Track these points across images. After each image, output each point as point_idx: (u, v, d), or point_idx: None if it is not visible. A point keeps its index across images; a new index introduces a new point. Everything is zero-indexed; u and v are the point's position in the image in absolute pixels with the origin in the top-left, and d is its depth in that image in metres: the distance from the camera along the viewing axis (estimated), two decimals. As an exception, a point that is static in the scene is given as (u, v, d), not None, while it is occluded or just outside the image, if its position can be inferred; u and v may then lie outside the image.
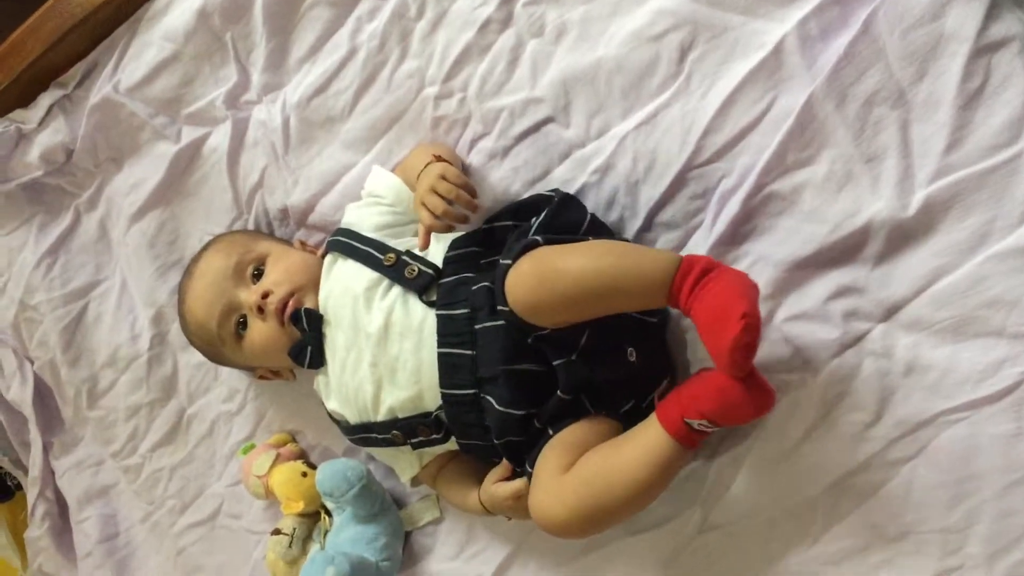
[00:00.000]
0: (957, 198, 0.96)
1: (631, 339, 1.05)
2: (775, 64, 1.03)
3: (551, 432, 1.06)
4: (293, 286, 1.23)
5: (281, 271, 1.25)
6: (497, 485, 1.14)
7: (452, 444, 1.17)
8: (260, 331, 1.25)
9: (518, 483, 1.12)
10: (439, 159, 1.15)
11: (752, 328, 0.85)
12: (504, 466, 1.14)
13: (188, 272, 1.34)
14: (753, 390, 0.91)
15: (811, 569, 1.07)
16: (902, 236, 0.99)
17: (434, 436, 1.15)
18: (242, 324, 1.27)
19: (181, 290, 1.34)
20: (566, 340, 1.01)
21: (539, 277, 0.96)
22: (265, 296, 1.22)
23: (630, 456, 0.98)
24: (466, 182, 1.13)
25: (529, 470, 1.07)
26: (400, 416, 1.16)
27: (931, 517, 1.00)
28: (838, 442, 1.04)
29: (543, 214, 1.08)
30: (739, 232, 1.07)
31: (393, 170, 1.27)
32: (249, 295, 1.24)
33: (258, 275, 1.27)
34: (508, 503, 1.13)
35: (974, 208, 0.95)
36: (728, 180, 1.08)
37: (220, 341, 1.29)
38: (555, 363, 1.03)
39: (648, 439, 0.97)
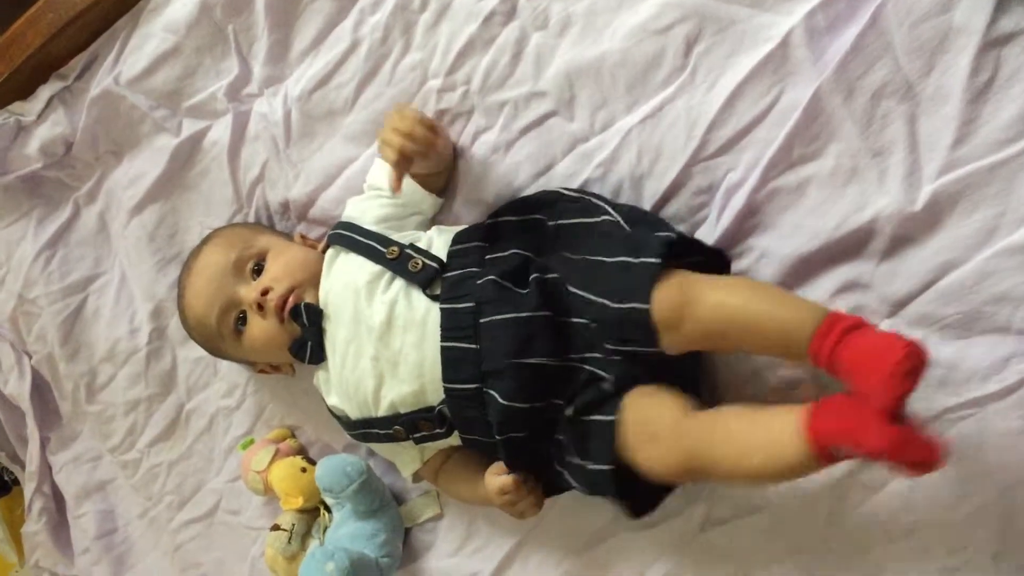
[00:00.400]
0: (964, 193, 0.95)
1: None
2: (782, 57, 1.02)
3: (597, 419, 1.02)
4: (293, 282, 1.22)
5: (281, 267, 1.24)
6: (488, 478, 1.13)
7: (455, 439, 1.16)
8: (260, 328, 1.24)
9: (504, 479, 1.11)
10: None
11: (916, 355, 0.79)
12: (498, 465, 1.13)
13: (187, 267, 1.33)
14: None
15: (815, 566, 1.06)
16: (909, 231, 0.98)
17: (437, 431, 1.14)
18: (241, 320, 1.26)
19: (180, 285, 1.34)
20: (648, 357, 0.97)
21: (684, 300, 0.92)
22: (265, 293, 1.21)
23: (759, 444, 0.90)
24: (423, 118, 1.14)
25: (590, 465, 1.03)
26: (402, 411, 1.15)
27: (936, 514, 0.99)
28: (843, 439, 1.03)
29: (614, 209, 1.07)
30: (744, 227, 1.06)
31: None
32: (249, 292, 1.23)
33: (258, 271, 1.26)
34: (497, 498, 1.13)
35: (982, 203, 0.94)
36: (733, 174, 1.07)
37: (220, 337, 1.29)
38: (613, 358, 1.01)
39: (785, 443, 0.87)
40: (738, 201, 1.06)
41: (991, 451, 0.96)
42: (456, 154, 1.25)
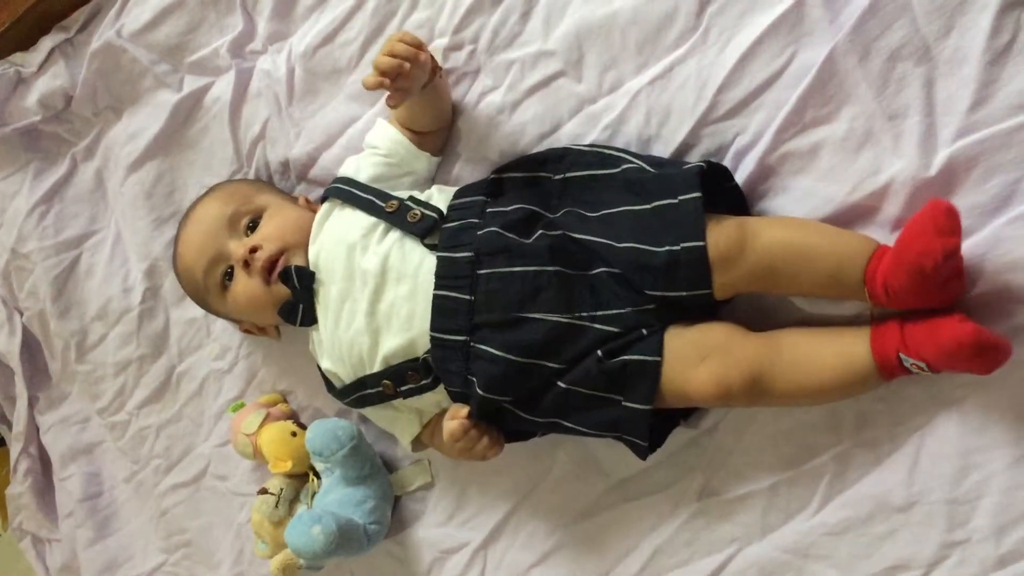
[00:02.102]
0: (981, 158, 0.92)
1: None
2: (796, 17, 1.00)
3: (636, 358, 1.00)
4: (284, 244, 1.20)
5: (275, 227, 1.22)
6: (444, 422, 1.12)
7: (442, 393, 1.13)
8: (245, 286, 1.22)
9: (453, 424, 1.09)
10: None
11: (950, 210, 0.84)
12: (456, 407, 1.11)
13: (185, 216, 1.31)
14: (986, 348, 0.86)
15: (811, 539, 1.04)
16: (923, 196, 0.95)
17: (424, 382, 1.12)
18: (228, 276, 1.24)
19: (177, 233, 1.32)
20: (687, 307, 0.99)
21: (742, 234, 0.94)
22: (253, 251, 1.19)
23: (826, 357, 0.94)
24: (404, 35, 1.09)
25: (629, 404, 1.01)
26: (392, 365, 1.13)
27: (938, 488, 0.97)
28: (845, 409, 1.01)
29: (635, 158, 1.06)
30: (755, 191, 1.04)
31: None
32: (238, 247, 1.21)
33: (252, 228, 1.23)
34: (450, 446, 1.11)
35: (998, 168, 0.91)
36: (743, 137, 1.05)
37: (205, 290, 1.27)
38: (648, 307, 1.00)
39: (851, 353, 0.93)
40: (748, 164, 1.04)
41: (996, 425, 0.94)
42: (456, 112, 1.22)
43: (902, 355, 0.90)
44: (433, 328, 1.07)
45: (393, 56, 1.06)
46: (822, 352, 0.95)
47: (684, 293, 0.96)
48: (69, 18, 1.52)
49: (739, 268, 0.94)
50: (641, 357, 0.98)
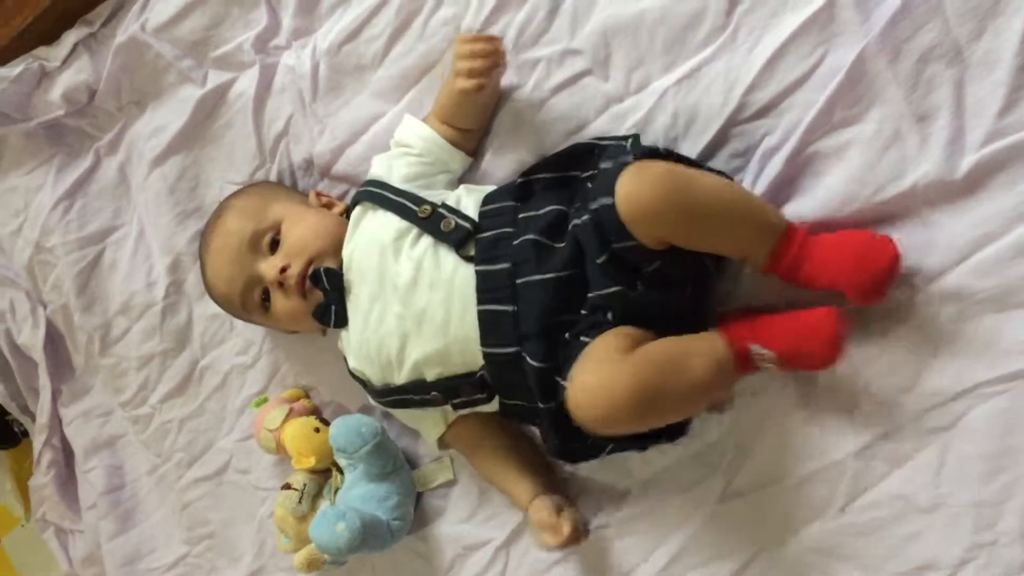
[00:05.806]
0: (1008, 163, 0.92)
1: (691, 280, 1.02)
2: (827, 17, 1.00)
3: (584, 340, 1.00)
4: (311, 255, 1.20)
5: (297, 239, 1.22)
6: (532, 512, 1.14)
7: (494, 406, 1.14)
8: (283, 304, 1.23)
9: (541, 515, 1.12)
10: None
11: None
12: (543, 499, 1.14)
13: (205, 242, 1.31)
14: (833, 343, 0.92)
15: (837, 540, 1.04)
16: (948, 200, 0.95)
17: (478, 396, 1.12)
18: (265, 296, 1.25)
19: (201, 259, 1.33)
20: (639, 262, 0.98)
21: (672, 182, 0.93)
22: (283, 270, 1.19)
23: (693, 354, 0.94)
24: (478, 35, 1.14)
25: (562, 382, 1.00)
26: (426, 371, 1.13)
27: (965, 489, 0.97)
28: (871, 407, 1.01)
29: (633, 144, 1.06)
30: (781, 192, 1.04)
31: (434, 108, 1.23)
32: (268, 269, 1.21)
33: (276, 243, 1.24)
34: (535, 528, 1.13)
35: (1025, 174, 0.92)
36: (771, 138, 1.04)
37: (247, 312, 1.29)
38: (613, 289, 0.99)
39: (709, 345, 0.95)
40: (775, 165, 1.03)
41: (1024, 428, 0.94)
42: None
43: (752, 347, 0.94)
44: (484, 344, 1.07)
45: (476, 56, 1.11)
46: (689, 352, 0.95)
47: (615, 247, 0.96)
48: (93, 12, 1.52)
49: (660, 220, 0.93)
50: (584, 339, 1.00)
